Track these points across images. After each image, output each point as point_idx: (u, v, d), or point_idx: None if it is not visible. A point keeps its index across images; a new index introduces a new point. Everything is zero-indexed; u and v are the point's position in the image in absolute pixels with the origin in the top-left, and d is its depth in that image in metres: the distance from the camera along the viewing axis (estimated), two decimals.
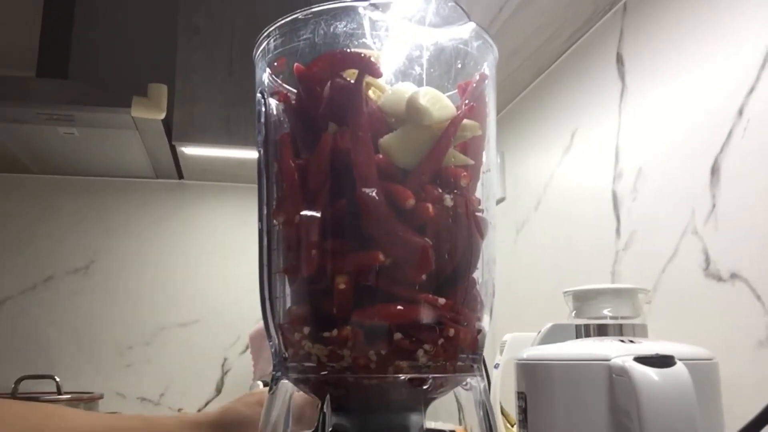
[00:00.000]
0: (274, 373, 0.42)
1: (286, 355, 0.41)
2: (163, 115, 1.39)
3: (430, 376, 0.38)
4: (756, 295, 0.74)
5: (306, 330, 0.39)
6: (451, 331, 0.39)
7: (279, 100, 0.43)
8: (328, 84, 0.41)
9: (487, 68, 0.46)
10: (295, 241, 0.41)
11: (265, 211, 0.42)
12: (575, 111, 1.14)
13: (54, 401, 1.51)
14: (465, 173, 0.41)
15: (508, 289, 1.38)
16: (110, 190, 1.86)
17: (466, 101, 0.43)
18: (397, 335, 0.38)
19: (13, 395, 1.52)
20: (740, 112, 0.77)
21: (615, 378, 0.52)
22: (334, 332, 0.38)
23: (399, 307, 0.38)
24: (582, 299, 0.82)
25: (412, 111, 0.40)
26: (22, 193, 1.81)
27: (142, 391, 1.78)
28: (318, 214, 0.39)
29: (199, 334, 1.84)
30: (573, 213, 1.13)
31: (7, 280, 1.77)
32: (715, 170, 0.81)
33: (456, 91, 0.46)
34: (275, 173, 0.43)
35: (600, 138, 1.05)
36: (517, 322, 1.33)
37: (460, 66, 0.44)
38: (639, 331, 0.79)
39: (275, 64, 0.44)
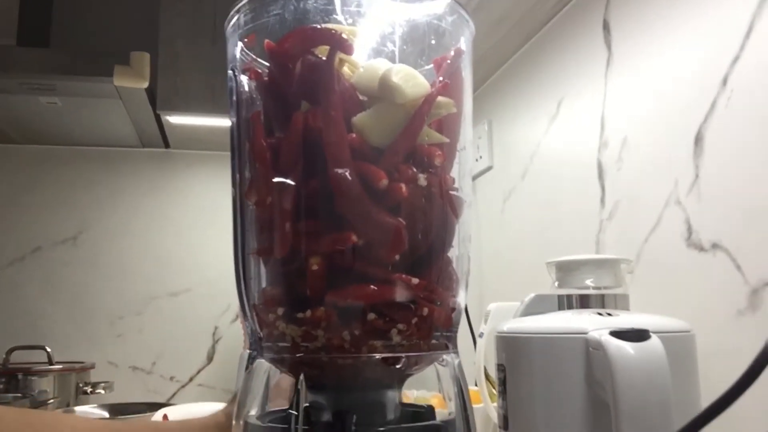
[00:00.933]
0: (250, 351, 0.42)
1: (261, 335, 0.41)
2: (146, 84, 1.37)
3: (404, 355, 0.39)
4: (736, 265, 0.75)
5: (280, 311, 0.39)
6: (425, 310, 0.39)
7: (250, 78, 0.43)
8: (300, 61, 0.40)
9: (463, 43, 0.45)
10: (268, 222, 0.41)
11: (237, 192, 0.42)
12: (562, 79, 1.13)
13: (46, 371, 1.52)
14: (439, 152, 0.41)
15: (495, 257, 1.39)
16: (96, 159, 1.84)
17: (441, 78, 0.42)
18: (371, 315, 0.38)
19: (4, 366, 1.53)
20: (724, 82, 0.77)
21: (591, 351, 0.52)
22: (308, 313, 0.38)
23: (372, 287, 0.38)
24: (565, 270, 0.82)
25: (385, 89, 0.39)
26: (8, 164, 1.80)
27: (134, 360, 1.79)
28: (290, 195, 0.39)
29: (189, 303, 1.85)
30: (559, 182, 1.13)
31: None
32: (698, 140, 0.81)
33: (432, 66, 0.45)
34: (247, 152, 0.42)
35: (586, 107, 1.05)
36: (504, 289, 1.34)
37: (434, 42, 0.43)
38: (621, 302, 0.80)
39: (245, 40, 0.43)
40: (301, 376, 0.38)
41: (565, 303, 0.81)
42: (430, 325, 0.40)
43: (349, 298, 0.38)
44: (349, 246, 0.38)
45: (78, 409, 1.39)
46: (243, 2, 0.42)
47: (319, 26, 0.40)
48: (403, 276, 0.39)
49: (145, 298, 1.83)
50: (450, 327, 0.42)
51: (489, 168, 1.41)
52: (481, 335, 0.94)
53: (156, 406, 1.45)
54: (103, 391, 1.59)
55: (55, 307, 1.77)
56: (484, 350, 0.95)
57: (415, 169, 0.40)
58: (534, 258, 1.22)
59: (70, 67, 1.34)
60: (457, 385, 0.42)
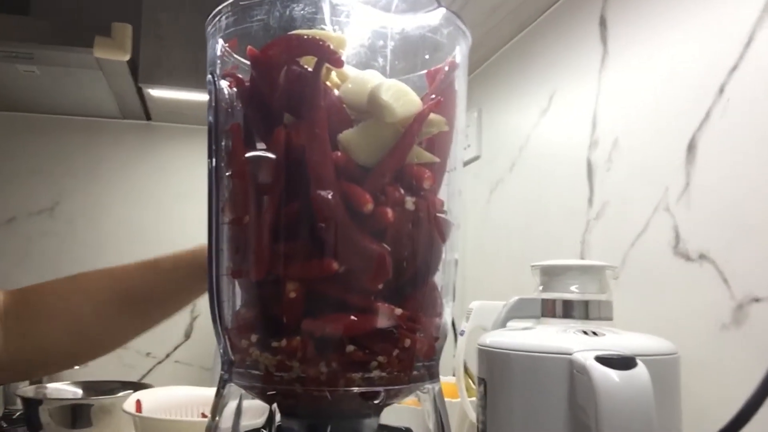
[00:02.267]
0: (222, 373, 0.40)
1: (233, 359, 0.39)
2: (127, 57, 1.32)
3: (383, 389, 0.37)
4: (723, 278, 0.74)
5: (254, 338, 0.37)
6: (407, 342, 0.38)
7: (230, 86, 0.40)
8: (284, 71, 0.37)
9: (459, 56, 0.43)
10: (244, 243, 0.38)
11: (214, 206, 0.40)
12: (555, 72, 1.11)
13: None
14: (429, 173, 0.39)
15: (479, 248, 1.38)
16: (75, 129, 1.79)
17: (433, 95, 0.40)
18: (350, 347, 0.36)
19: None
20: (721, 90, 0.75)
21: (575, 374, 0.51)
22: (283, 342, 0.36)
23: (352, 317, 0.36)
24: (549, 274, 0.81)
25: (374, 107, 0.37)
26: None
27: None
28: (269, 215, 0.37)
29: None
30: (547, 177, 1.12)
31: None
32: (691, 148, 0.79)
33: (424, 73, 0.43)
34: (225, 166, 0.40)
35: (578, 103, 1.03)
36: (488, 281, 1.33)
37: (427, 56, 0.41)
38: (604, 309, 0.79)
39: (227, 45, 0.41)
40: (274, 405, 0.37)
41: (549, 308, 0.80)
42: (412, 357, 0.38)
43: (327, 329, 0.36)
44: (329, 273, 0.35)
45: (50, 386, 1.37)
46: (224, 4, 0.39)
47: (305, 35, 0.37)
48: (386, 305, 0.37)
49: None
50: (432, 357, 0.41)
51: (477, 157, 1.39)
52: (462, 333, 0.93)
53: (130, 385, 1.43)
54: (77, 366, 1.56)
55: (29, 278, 1.71)
56: (465, 347, 0.94)
57: (402, 191, 0.37)
58: (519, 252, 1.21)
59: (50, 37, 1.29)
60: (436, 413, 0.40)
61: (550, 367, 0.53)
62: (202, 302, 1.91)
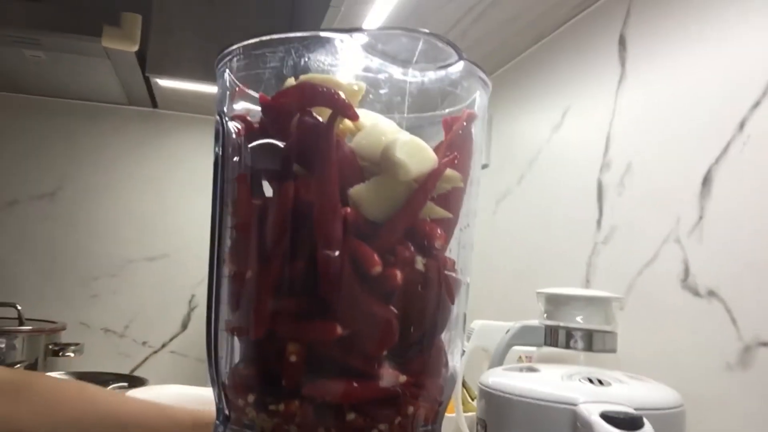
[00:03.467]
0: (217, 423, 0.39)
1: (228, 415, 0.38)
2: (135, 48, 1.30)
3: None
4: (732, 318, 0.72)
5: (251, 398, 0.36)
6: (411, 409, 0.36)
7: (238, 134, 0.38)
8: (296, 120, 0.36)
9: (477, 106, 0.41)
10: (246, 299, 0.37)
11: (215, 257, 0.38)
12: (569, 88, 1.09)
13: (15, 332, 1.48)
14: (440, 232, 0.37)
15: (484, 259, 1.36)
16: (80, 113, 1.78)
17: (449, 152, 0.38)
18: (351, 415, 0.35)
19: None
20: (741, 126, 0.73)
21: (579, 428, 0.50)
22: (281, 406, 0.35)
23: (354, 383, 0.35)
24: (554, 303, 0.80)
25: (388, 164, 0.35)
26: None
27: (107, 323, 1.76)
28: (273, 272, 0.35)
29: (167, 269, 1.81)
30: (556, 194, 1.10)
31: None
32: (707, 181, 0.77)
33: (441, 116, 0.41)
34: (228, 215, 0.38)
35: (592, 122, 1.01)
36: (490, 296, 1.32)
37: (446, 108, 0.39)
38: (609, 341, 0.78)
39: (237, 89, 0.39)
40: None
41: (552, 338, 0.79)
42: (414, 424, 0.37)
43: (327, 394, 0.34)
44: (332, 338, 0.34)
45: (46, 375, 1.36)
46: (235, 47, 0.38)
47: (320, 86, 0.36)
48: (390, 371, 0.35)
49: (122, 261, 1.79)
50: (435, 420, 0.39)
51: (485, 166, 1.37)
52: (462, 353, 0.92)
53: (124, 378, 1.43)
54: (72, 354, 1.56)
55: (28, 263, 1.72)
56: (464, 367, 0.93)
57: (412, 250, 0.36)
58: (523, 267, 1.19)
59: (58, 24, 1.27)
60: None
61: (553, 417, 0.52)
62: (202, 294, 1.92)
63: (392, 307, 0.35)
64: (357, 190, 0.36)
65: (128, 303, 1.78)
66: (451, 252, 0.39)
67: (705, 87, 0.79)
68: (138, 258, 1.80)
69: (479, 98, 0.42)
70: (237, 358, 0.38)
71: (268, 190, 0.37)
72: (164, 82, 1.53)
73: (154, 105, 1.79)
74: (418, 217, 0.37)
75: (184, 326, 1.81)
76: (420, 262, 0.36)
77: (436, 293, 0.37)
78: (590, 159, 0.99)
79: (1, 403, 0.62)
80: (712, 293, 0.75)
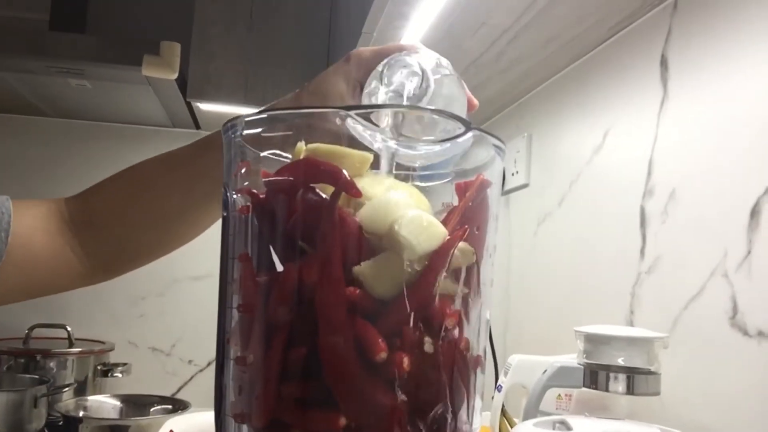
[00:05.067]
0: None
1: None
2: (174, 75, 1.32)
3: None
4: None
5: None
6: None
7: (242, 212, 0.38)
8: (299, 196, 0.35)
9: (491, 172, 0.39)
10: (247, 384, 0.36)
11: (221, 335, 0.37)
12: (610, 109, 1.05)
13: (65, 354, 1.53)
14: (452, 310, 0.36)
15: (522, 281, 1.33)
16: (126, 136, 1.82)
17: (460, 224, 0.36)
18: None
19: (26, 342, 1.54)
20: None
21: None
22: None
23: None
24: (594, 342, 0.77)
25: (393, 243, 0.34)
26: (37, 136, 1.78)
27: (154, 341, 1.80)
28: (275, 357, 0.34)
29: (211, 288, 1.82)
30: (597, 219, 1.06)
31: None
32: (755, 213, 0.73)
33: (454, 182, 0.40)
34: (234, 294, 0.37)
35: (634, 145, 0.97)
36: (530, 326, 1.29)
37: (454, 174, 0.37)
38: (652, 384, 0.75)
39: (240, 162, 0.38)
40: None
41: (591, 379, 0.76)
42: None
43: None
44: (336, 429, 0.33)
45: (91, 398, 1.39)
46: (244, 117, 0.37)
47: (323, 163, 0.34)
48: None
49: (168, 281, 1.82)
50: None
51: (525, 185, 1.34)
52: (499, 388, 0.89)
53: (168, 401, 1.45)
54: (120, 375, 1.59)
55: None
56: (502, 402, 0.90)
57: (421, 330, 0.34)
58: (564, 295, 1.16)
59: (99, 55, 1.30)
60: None
61: None
62: None
63: (400, 395, 0.33)
64: (362, 269, 0.34)
65: (174, 322, 1.81)
66: (470, 324, 0.37)
67: (752, 111, 0.75)
68: (183, 277, 1.83)
69: (493, 166, 0.40)
70: None
71: (274, 265, 0.36)
72: (205, 106, 1.55)
73: (197, 126, 1.81)
74: (428, 295, 0.35)
75: None
76: (429, 344, 0.34)
77: (448, 376, 0.35)
78: (632, 183, 0.96)
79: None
80: (762, 334, 0.71)
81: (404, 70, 0.45)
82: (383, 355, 0.33)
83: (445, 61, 0.49)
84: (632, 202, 0.95)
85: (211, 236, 1.96)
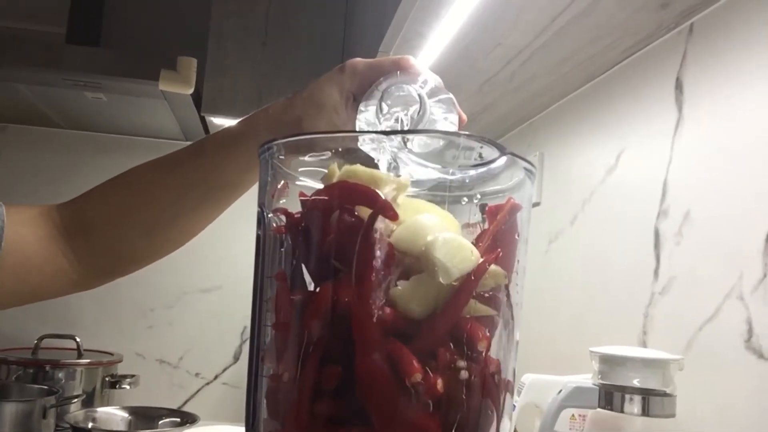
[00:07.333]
0: None
1: None
2: (191, 90, 1.34)
3: None
4: None
5: None
6: None
7: (278, 232, 0.38)
8: (336, 218, 0.35)
9: (521, 195, 0.40)
10: (283, 402, 0.36)
11: (254, 352, 0.38)
12: (624, 130, 1.06)
13: (74, 365, 1.53)
14: (484, 333, 0.36)
15: (535, 299, 1.33)
16: (139, 149, 1.83)
17: (492, 246, 0.37)
18: None
19: (35, 353, 1.54)
20: None
21: None
22: None
23: None
24: (609, 363, 0.77)
25: (428, 265, 0.34)
26: (51, 148, 1.80)
27: (162, 354, 1.80)
28: (309, 376, 0.35)
29: (220, 301, 1.84)
30: (610, 238, 1.07)
31: None
32: None
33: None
34: (268, 312, 0.38)
35: (648, 166, 0.98)
36: (543, 343, 1.28)
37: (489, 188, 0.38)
38: (667, 405, 0.75)
39: (278, 186, 0.39)
40: None
41: (606, 400, 0.76)
42: None
43: None
44: None
45: (100, 410, 1.39)
46: (281, 140, 0.37)
47: (359, 186, 0.35)
48: None
49: (177, 293, 1.82)
50: None
51: (536, 204, 1.35)
52: (512, 408, 0.89)
53: (176, 413, 1.45)
54: (128, 387, 1.59)
55: (87, 294, 1.76)
56: (515, 422, 0.90)
57: (455, 351, 0.35)
58: (577, 315, 1.16)
59: (116, 69, 1.32)
60: None
61: None
62: None
63: (434, 416, 0.34)
64: (397, 292, 0.35)
65: (183, 334, 1.81)
66: (501, 347, 0.38)
67: (767, 134, 0.76)
68: (192, 290, 1.83)
69: (524, 189, 0.40)
70: None
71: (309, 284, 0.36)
72: (219, 121, 1.56)
73: None
74: (461, 317, 0.36)
75: (236, 358, 1.83)
76: (463, 367, 0.35)
77: (479, 398, 0.36)
78: (647, 204, 0.96)
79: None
80: None
81: (402, 96, 0.48)
82: (418, 376, 0.33)
83: (437, 81, 0.51)
84: (646, 222, 0.96)
85: (221, 249, 1.97)
